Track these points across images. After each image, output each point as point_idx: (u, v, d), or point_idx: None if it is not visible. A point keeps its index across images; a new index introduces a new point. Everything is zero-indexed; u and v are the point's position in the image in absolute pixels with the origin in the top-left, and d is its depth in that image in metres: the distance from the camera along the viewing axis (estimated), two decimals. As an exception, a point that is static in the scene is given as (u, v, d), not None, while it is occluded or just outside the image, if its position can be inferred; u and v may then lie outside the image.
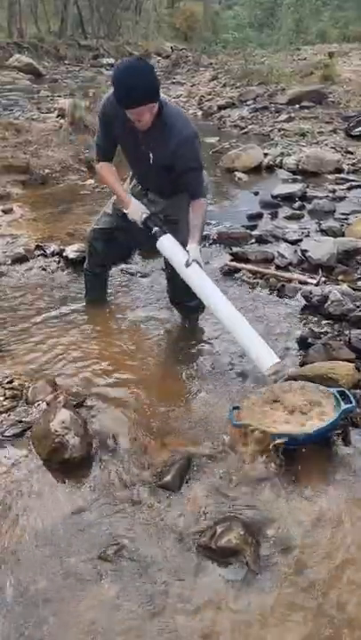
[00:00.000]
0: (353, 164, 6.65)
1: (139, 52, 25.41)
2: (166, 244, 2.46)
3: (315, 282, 3.46)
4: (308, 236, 4.32)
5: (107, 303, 3.17)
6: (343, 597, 1.56)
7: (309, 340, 2.76)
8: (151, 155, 2.36)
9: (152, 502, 1.85)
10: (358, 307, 3.03)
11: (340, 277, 3.59)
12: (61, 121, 7.38)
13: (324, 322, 3.01)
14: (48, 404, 2.19)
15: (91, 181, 5.64)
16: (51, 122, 7.66)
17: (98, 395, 2.35)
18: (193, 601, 1.54)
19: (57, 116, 7.84)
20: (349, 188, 5.80)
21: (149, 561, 1.65)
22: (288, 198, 5.35)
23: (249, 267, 3.74)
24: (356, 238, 4.02)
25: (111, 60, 22.23)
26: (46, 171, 5.84)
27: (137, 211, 2.49)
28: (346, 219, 4.80)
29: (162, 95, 2.23)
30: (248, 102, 10.69)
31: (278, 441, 1.98)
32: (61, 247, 3.84)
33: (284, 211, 5.06)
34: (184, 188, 2.43)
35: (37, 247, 3.90)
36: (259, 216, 4.89)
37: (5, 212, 4.70)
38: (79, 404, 2.24)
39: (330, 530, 1.77)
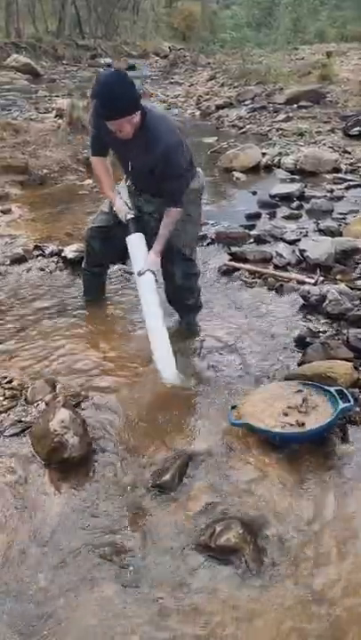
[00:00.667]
0: (351, 164, 6.66)
1: (137, 51, 25.47)
2: (133, 242, 2.58)
3: (313, 281, 3.47)
4: (306, 235, 4.32)
5: (105, 303, 3.17)
6: (343, 595, 1.57)
7: (308, 340, 2.77)
8: (137, 160, 2.44)
9: (151, 501, 1.86)
10: (356, 306, 3.04)
11: (338, 277, 3.60)
12: (59, 121, 7.39)
13: (322, 321, 3.02)
14: (47, 404, 2.20)
15: (89, 181, 5.64)
16: (49, 122, 7.66)
17: (97, 394, 2.35)
18: (192, 600, 1.55)
19: (55, 116, 7.85)
20: (347, 188, 5.81)
21: (148, 560, 1.66)
22: (286, 198, 5.35)
23: (247, 266, 3.75)
24: (354, 238, 4.03)
25: (109, 60, 22.24)
26: (45, 171, 5.84)
27: (121, 209, 2.58)
28: (344, 218, 4.80)
29: (147, 103, 2.30)
30: (246, 102, 10.70)
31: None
32: (60, 247, 3.85)
33: (283, 210, 5.07)
34: (164, 193, 2.48)
35: (36, 247, 3.90)
36: (257, 216, 4.90)
37: (4, 212, 4.69)
38: (78, 404, 2.25)
39: (329, 528, 1.77)
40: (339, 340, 2.73)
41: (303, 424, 2.07)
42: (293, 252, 3.93)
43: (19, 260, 3.73)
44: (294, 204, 5.19)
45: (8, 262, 3.69)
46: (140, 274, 2.54)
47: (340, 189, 5.74)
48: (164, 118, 2.41)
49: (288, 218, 4.89)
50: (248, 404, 2.21)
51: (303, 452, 2.05)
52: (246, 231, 4.38)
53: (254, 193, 5.64)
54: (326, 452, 2.08)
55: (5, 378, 2.40)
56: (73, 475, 1.94)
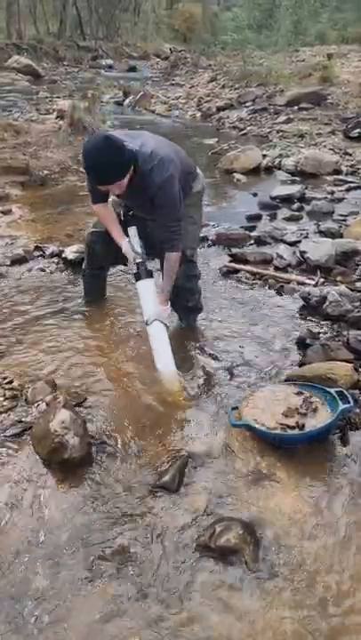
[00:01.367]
0: (351, 166, 6.68)
1: (137, 53, 25.50)
2: (142, 289, 2.56)
3: (313, 283, 3.48)
4: (306, 237, 4.33)
5: (105, 304, 3.17)
6: (343, 597, 1.57)
7: (308, 341, 2.77)
8: (135, 198, 2.46)
9: (151, 502, 1.86)
10: (356, 307, 3.04)
11: (338, 278, 3.60)
12: (60, 122, 7.40)
13: (322, 322, 3.02)
14: (48, 405, 2.20)
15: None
16: (50, 123, 7.68)
17: (97, 395, 2.36)
18: (192, 600, 1.55)
19: (56, 117, 7.86)
20: (348, 190, 5.83)
21: (148, 561, 1.66)
22: (287, 199, 5.37)
23: (248, 268, 3.75)
24: (355, 239, 4.04)
25: (110, 62, 22.27)
26: (45, 172, 5.85)
27: (130, 254, 2.56)
28: (344, 220, 4.81)
29: (134, 138, 2.31)
30: (247, 104, 10.72)
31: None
32: (60, 248, 3.85)
33: (283, 212, 5.08)
34: (161, 233, 2.46)
35: (36, 248, 3.91)
36: (258, 217, 4.91)
37: (4, 213, 4.70)
38: (79, 405, 2.25)
39: (329, 529, 1.77)
40: (339, 341, 2.73)
41: (303, 425, 2.07)
42: (294, 253, 3.94)
43: (19, 260, 3.74)
44: (295, 206, 5.21)
45: (8, 263, 3.69)
46: (147, 323, 2.50)
47: (341, 191, 5.76)
48: (156, 154, 2.32)
49: (289, 219, 4.90)
50: (248, 406, 2.22)
51: (303, 453, 2.05)
52: (247, 232, 4.38)
53: (255, 194, 5.65)
54: (326, 453, 2.08)
55: (6, 378, 2.40)
56: (73, 475, 1.94)
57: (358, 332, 2.79)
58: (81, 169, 6.08)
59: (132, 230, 2.56)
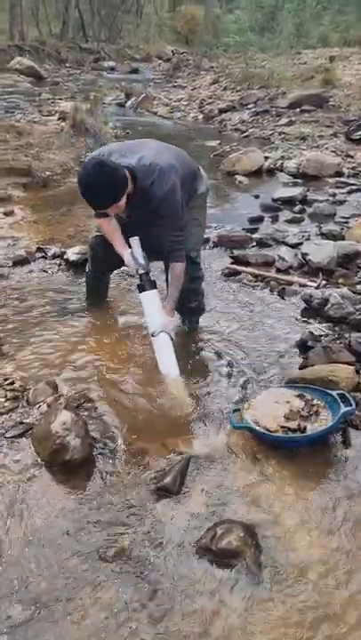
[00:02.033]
0: (353, 168, 6.68)
1: (140, 55, 25.53)
2: (146, 300, 2.53)
3: (315, 285, 3.47)
4: (308, 239, 4.32)
5: (107, 306, 3.17)
6: (344, 598, 1.56)
7: (309, 343, 2.76)
8: (137, 213, 2.45)
9: (152, 504, 1.86)
10: (358, 310, 3.03)
11: (340, 281, 3.60)
12: (62, 123, 7.42)
13: (324, 325, 3.01)
14: (49, 406, 2.20)
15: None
16: (52, 124, 7.69)
17: (98, 396, 2.36)
18: (193, 603, 1.54)
19: (58, 119, 7.89)
20: (350, 192, 5.82)
21: (149, 563, 1.66)
22: (289, 202, 5.37)
23: (250, 270, 3.75)
24: (357, 242, 4.03)
25: (112, 64, 22.29)
26: (47, 173, 5.86)
27: (132, 265, 2.53)
28: (346, 222, 4.81)
29: (133, 159, 2.29)
30: (249, 106, 10.72)
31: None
32: (62, 249, 3.86)
33: (285, 214, 5.08)
34: (166, 243, 2.46)
35: (38, 249, 3.92)
36: (259, 219, 4.91)
37: (6, 214, 4.71)
38: (80, 406, 2.25)
39: (331, 532, 1.77)
40: (341, 343, 2.73)
41: (305, 428, 2.07)
42: (296, 255, 3.93)
43: (21, 261, 3.74)
44: (297, 208, 5.21)
45: (10, 264, 3.69)
46: (153, 335, 2.49)
47: (343, 193, 5.76)
48: (154, 166, 2.30)
49: (290, 221, 4.90)
50: (250, 408, 2.21)
51: (305, 455, 2.05)
52: (249, 234, 4.38)
53: (257, 196, 5.65)
54: (328, 455, 2.08)
55: (7, 379, 2.40)
56: (74, 476, 1.95)
57: (360, 334, 2.79)
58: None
59: (135, 241, 2.50)
